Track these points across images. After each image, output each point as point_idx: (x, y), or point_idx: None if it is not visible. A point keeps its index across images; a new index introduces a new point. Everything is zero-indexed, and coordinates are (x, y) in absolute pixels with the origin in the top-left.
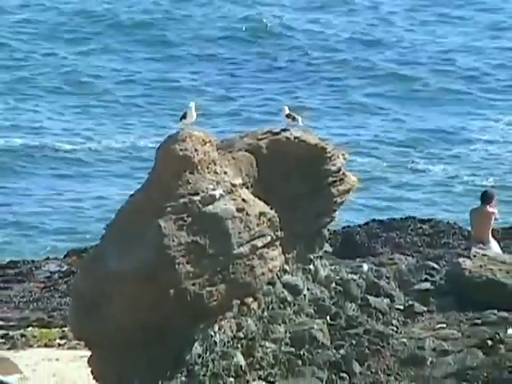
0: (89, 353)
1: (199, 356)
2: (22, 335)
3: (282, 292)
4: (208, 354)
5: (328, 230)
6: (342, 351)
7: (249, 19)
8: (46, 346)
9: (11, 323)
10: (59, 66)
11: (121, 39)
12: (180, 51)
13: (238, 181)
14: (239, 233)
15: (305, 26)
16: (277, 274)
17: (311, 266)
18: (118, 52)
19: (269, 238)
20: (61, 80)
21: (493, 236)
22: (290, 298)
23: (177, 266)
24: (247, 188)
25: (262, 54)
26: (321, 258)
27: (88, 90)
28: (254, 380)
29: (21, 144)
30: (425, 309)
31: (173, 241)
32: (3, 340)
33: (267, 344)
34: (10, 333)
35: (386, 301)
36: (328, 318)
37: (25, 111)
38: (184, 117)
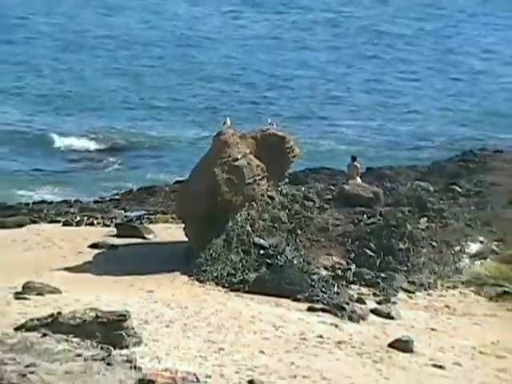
0: (183, 225)
1: (231, 227)
2: (154, 218)
3: (266, 199)
4: (235, 225)
5: (287, 172)
6: (292, 225)
7: None
8: (164, 222)
9: (150, 213)
10: None
11: None
12: None
13: (248, 151)
14: (248, 174)
15: None
16: (265, 191)
17: (279, 188)
18: None
19: (261, 176)
20: None
21: (357, 175)
22: (270, 202)
23: (221, 189)
24: (251, 154)
25: None
26: (284, 184)
27: None
28: (255, 237)
29: None
30: (328, 206)
31: (220, 178)
32: (148, 219)
33: (260, 222)
34: (149, 217)
35: (312, 203)
36: (287, 210)
37: None
38: (224, 123)
